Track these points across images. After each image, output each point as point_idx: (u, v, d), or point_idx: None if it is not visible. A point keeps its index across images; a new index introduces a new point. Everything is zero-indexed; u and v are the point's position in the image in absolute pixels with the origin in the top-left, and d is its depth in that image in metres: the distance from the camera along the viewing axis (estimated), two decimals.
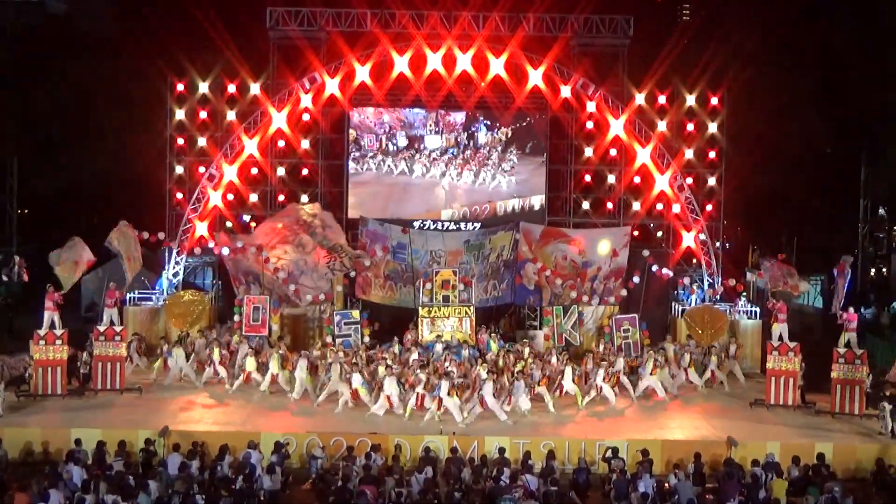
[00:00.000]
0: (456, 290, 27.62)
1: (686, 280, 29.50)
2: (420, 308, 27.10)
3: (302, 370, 23.59)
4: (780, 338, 24.44)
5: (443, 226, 32.19)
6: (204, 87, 31.18)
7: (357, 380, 22.67)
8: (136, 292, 29.20)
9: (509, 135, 32.62)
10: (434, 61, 30.89)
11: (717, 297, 29.38)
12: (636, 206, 31.95)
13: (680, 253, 30.97)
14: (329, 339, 27.14)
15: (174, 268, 30.08)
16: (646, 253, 29.03)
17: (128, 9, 45.59)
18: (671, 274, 29.07)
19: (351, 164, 32.70)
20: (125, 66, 38.80)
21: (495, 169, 32.66)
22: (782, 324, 24.58)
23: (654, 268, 28.73)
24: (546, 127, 32.73)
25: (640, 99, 30.99)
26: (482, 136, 32.70)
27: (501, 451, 19.35)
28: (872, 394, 23.46)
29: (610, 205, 32.60)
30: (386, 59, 30.85)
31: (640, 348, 27.37)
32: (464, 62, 30.85)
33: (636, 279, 28.90)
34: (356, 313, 28.22)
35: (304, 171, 32.87)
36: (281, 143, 31.90)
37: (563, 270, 29.32)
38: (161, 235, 28.57)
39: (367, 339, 27.42)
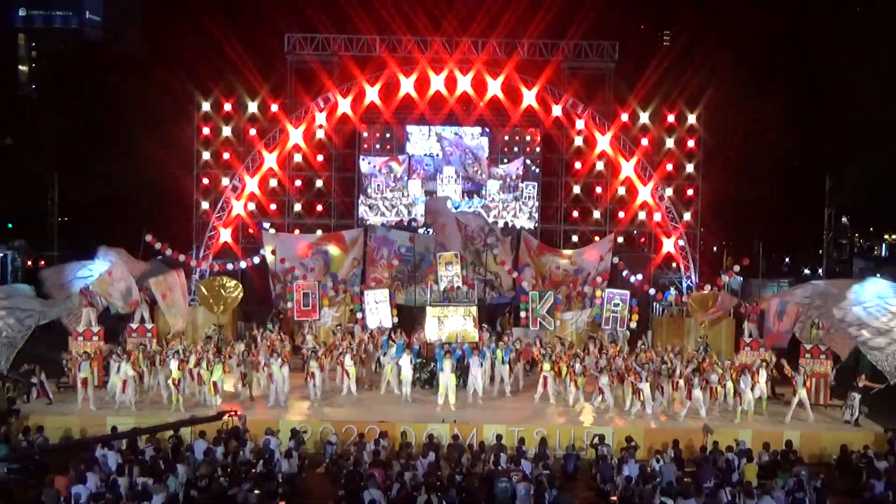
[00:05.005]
0: (460, 274, 27.28)
1: (652, 290, 29.05)
2: (428, 308, 26.63)
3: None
4: (751, 334, 24.49)
5: None
6: (228, 106, 31.20)
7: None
8: None
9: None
10: (437, 83, 30.94)
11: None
12: (621, 214, 31.95)
13: (660, 258, 30.97)
14: (359, 316, 26.44)
15: (199, 268, 29.98)
16: (615, 260, 28.92)
17: (158, 35, 45.84)
18: (640, 278, 28.80)
19: (361, 208, 32.57)
20: (156, 87, 39.01)
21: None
22: (753, 322, 24.66)
23: (625, 273, 28.67)
24: (539, 143, 32.74)
25: (624, 117, 30.99)
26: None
27: (499, 437, 19.34)
28: (836, 386, 23.45)
29: (597, 213, 32.62)
30: (393, 81, 30.91)
31: (626, 324, 26.76)
32: (464, 84, 30.91)
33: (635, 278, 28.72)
34: (385, 291, 27.74)
35: (319, 183, 32.88)
36: (297, 158, 31.93)
37: (556, 277, 29.44)
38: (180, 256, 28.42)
39: (394, 318, 26.96)
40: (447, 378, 22.07)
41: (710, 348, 26.05)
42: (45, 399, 21.95)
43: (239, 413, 19.21)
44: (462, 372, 23.07)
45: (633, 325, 26.51)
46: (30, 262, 43.13)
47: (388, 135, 32.56)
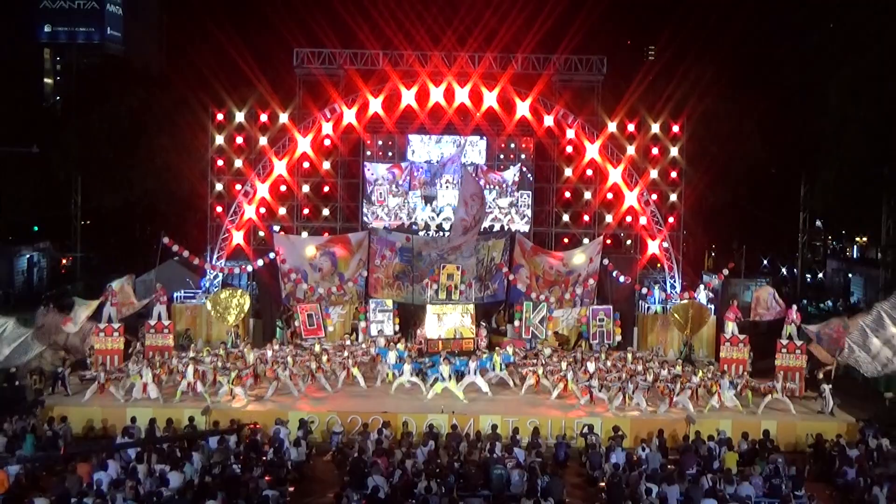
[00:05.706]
0: (459, 285, 27.28)
1: (644, 289, 29.11)
2: (429, 305, 26.63)
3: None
4: (732, 332, 24.54)
5: (443, 233, 32.09)
6: (240, 117, 31.14)
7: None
8: (182, 291, 29.24)
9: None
10: (436, 95, 30.93)
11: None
12: (609, 218, 31.88)
13: (646, 259, 30.96)
14: (362, 325, 27.03)
15: (213, 272, 29.93)
16: (605, 262, 28.95)
17: (175, 49, 45.88)
18: (629, 280, 28.81)
19: (365, 208, 32.37)
20: (173, 98, 38.98)
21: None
22: (733, 321, 24.71)
23: (614, 273, 28.71)
24: (532, 151, 32.76)
25: (612, 127, 30.93)
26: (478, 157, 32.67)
27: (494, 427, 19.41)
28: (810, 378, 23.51)
29: (586, 217, 32.59)
30: (395, 93, 30.88)
31: (612, 337, 27.15)
32: (462, 95, 30.89)
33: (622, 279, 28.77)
34: (389, 302, 27.92)
35: (326, 188, 32.89)
36: (306, 165, 31.85)
37: (549, 278, 29.47)
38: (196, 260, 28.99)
39: (396, 327, 27.27)
40: (446, 384, 21.99)
41: (694, 351, 26.26)
42: (63, 391, 21.88)
43: (258, 425, 19.29)
44: (460, 378, 23.03)
45: (619, 338, 26.79)
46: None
47: (390, 143, 32.57)
